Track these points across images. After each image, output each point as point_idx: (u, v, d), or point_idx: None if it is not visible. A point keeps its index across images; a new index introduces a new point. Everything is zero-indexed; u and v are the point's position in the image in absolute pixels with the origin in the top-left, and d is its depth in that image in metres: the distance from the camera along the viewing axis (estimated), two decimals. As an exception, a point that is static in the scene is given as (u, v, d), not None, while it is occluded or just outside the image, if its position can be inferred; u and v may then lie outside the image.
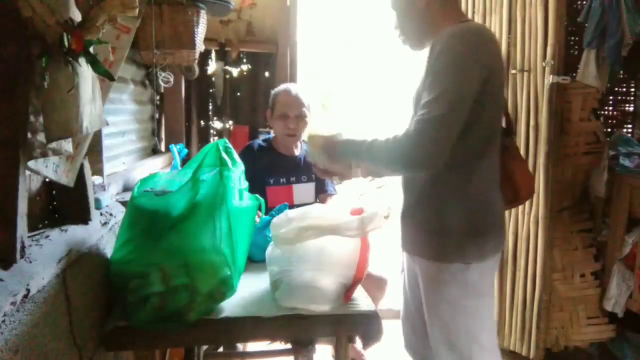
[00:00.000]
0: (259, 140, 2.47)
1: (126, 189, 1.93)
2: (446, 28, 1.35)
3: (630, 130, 2.88)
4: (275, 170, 2.35)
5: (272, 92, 2.43)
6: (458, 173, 1.36)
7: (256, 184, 1.96)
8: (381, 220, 1.41)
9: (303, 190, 2.38)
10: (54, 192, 1.30)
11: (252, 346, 2.38)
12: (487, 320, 1.46)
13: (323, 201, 2.39)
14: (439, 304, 1.42)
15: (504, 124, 1.56)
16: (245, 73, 3.18)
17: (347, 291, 1.44)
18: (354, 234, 1.39)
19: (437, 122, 1.25)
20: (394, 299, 3.34)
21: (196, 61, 2.43)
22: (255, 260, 1.65)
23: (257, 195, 1.52)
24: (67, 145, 1.08)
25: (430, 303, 1.45)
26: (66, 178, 1.20)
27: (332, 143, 1.48)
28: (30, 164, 1.02)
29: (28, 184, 1.13)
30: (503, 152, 1.49)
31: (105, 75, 1.11)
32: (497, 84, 1.37)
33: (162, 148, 2.89)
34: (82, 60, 1.00)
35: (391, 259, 1.54)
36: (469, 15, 2.71)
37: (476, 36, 1.33)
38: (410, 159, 1.30)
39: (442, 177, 1.36)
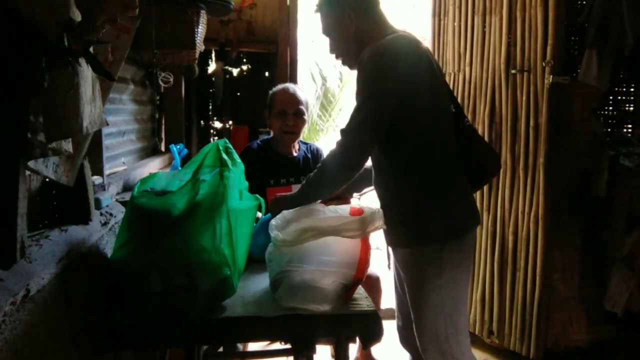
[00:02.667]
0: (258, 141, 2.47)
1: (126, 189, 1.93)
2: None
3: (630, 130, 2.88)
4: (275, 170, 2.35)
5: (270, 92, 2.43)
6: (412, 168, 1.54)
7: (256, 185, 1.96)
8: (381, 221, 1.41)
9: None
10: (54, 192, 1.30)
11: (252, 346, 2.38)
12: (460, 302, 1.57)
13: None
14: (417, 287, 1.56)
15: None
16: (245, 73, 3.18)
17: (347, 291, 1.44)
18: (354, 234, 1.39)
19: (353, 131, 1.49)
20: (393, 299, 3.35)
21: (196, 61, 2.43)
22: (256, 260, 1.65)
23: (257, 195, 1.52)
24: (67, 145, 1.08)
25: (410, 288, 1.59)
26: (66, 178, 1.20)
27: (282, 202, 1.65)
28: (30, 164, 1.02)
29: (28, 184, 1.13)
30: (460, 136, 1.61)
31: (105, 75, 1.10)
32: (423, 82, 1.50)
33: (162, 148, 2.89)
34: (82, 60, 1.00)
35: (380, 256, 1.57)
36: (469, 16, 2.72)
37: (389, 49, 1.48)
38: (338, 167, 1.53)
39: (402, 174, 1.55)
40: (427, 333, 1.56)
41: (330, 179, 1.58)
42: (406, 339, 1.77)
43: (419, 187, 1.54)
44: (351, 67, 1.65)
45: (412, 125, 1.52)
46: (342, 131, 1.53)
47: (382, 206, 1.61)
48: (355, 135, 1.50)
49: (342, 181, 1.59)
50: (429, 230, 1.53)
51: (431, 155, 1.54)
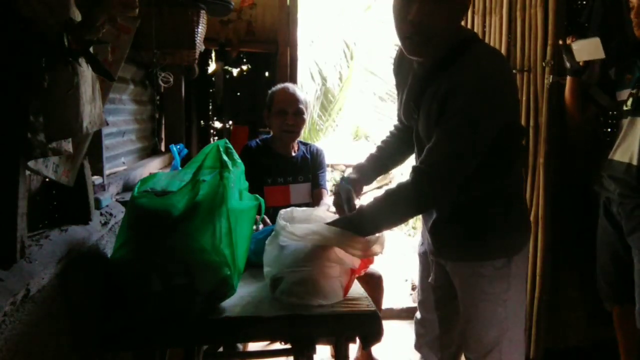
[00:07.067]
0: (257, 140, 2.48)
1: (126, 189, 1.93)
2: (449, 44, 1.35)
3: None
4: (273, 170, 2.37)
5: (269, 91, 2.44)
6: (494, 179, 1.45)
7: (254, 184, 1.97)
8: (382, 247, 1.43)
9: (300, 190, 2.40)
10: (54, 192, 1.30)
11: (252, 346, 2.38)
12: (519, 314, 1.54)
13: (318, 196, 2.42)
14: (480, 301, 1.50)
15: None
16: (245, 73, 3.18)
17: (345, 286, 1.45)
18: (355, 253, 1.41)
19: (444, 168, 1.33)
20: (393, 299, 3.35)
21: (196, 61, 2.43)
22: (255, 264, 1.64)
23: (257, 195, 1.53)
24: (67, 145, 1.08)
25: (470, 301, 1.53)
26: (66, 178, 1.20)
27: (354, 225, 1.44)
28: (30, 164, 1.02)
29: (28, 184, 1.13)
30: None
31: (105, 75, 1.10)
32: (518, 106, 1.53)
33: (162, 148, 2.89)
34: (82, 60, 1.00)
35: (381, 255, 1.52)
36: (469, 16, 2.71)
37: (495, 80, 1.31)
38: (419, 204, 1.42)
39: (478, 185, 1.42)
40: (484, 348, 1.52)
41: (402, 210, 1.42)
42: (428, 343, 1.74)
43: (504, 199, 1.49)
44: (420, 54, 1.39)
45: (511, 139, 1.44)
46: (422, 166, 1.35)
47: (443, 217, 1.52)
48: (443, 167, 1.33)
49: (411, 215, 1.57)
50: (504, 243, 1.48)
51: (518, 167, 1.54)
